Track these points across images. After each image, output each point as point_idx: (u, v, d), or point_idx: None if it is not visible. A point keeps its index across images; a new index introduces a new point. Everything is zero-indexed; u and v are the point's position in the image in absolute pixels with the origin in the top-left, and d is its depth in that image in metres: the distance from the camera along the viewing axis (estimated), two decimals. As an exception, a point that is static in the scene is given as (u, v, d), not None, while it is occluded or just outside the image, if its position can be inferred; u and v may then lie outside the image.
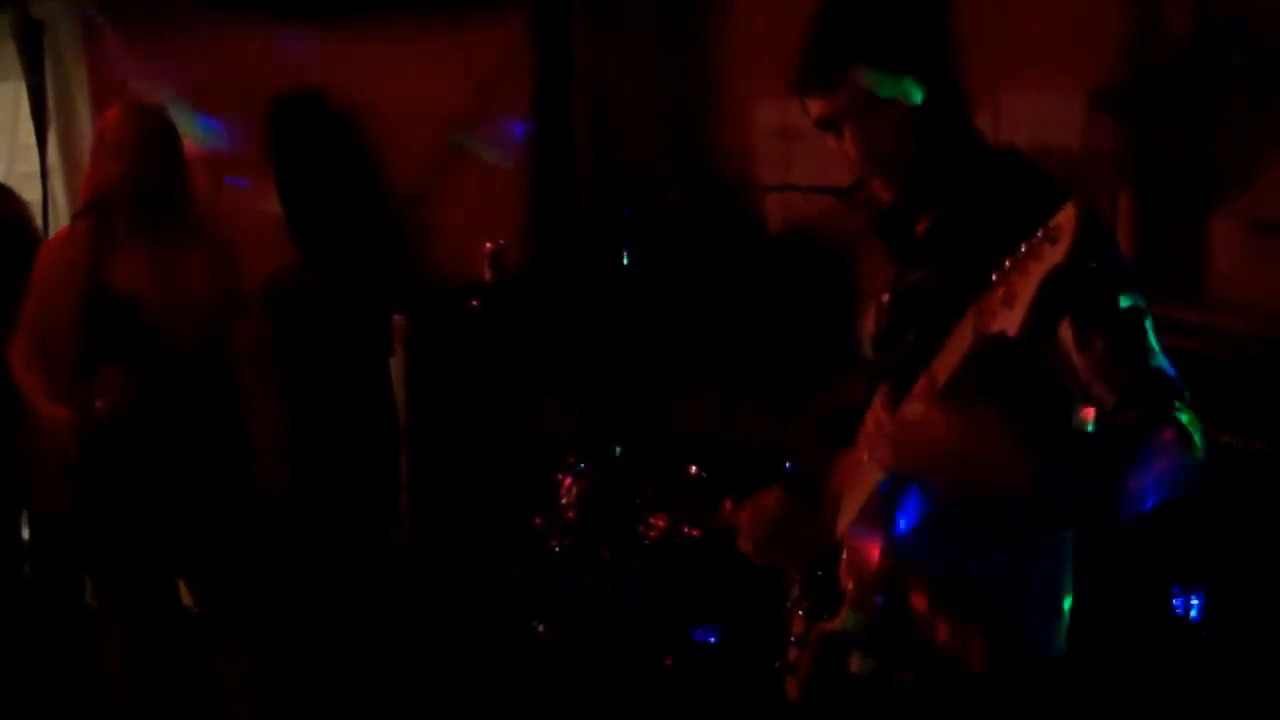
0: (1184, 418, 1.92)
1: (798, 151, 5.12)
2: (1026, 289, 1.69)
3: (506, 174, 5.77)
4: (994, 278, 1.77)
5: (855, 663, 2.30)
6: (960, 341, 1.87)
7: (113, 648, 4.03)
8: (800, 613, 2.39)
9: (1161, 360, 1.98)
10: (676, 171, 5.45)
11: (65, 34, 5.66)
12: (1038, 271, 1.68)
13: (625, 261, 4.86)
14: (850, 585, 2.19)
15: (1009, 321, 1.72)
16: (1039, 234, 1.70)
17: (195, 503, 3.88)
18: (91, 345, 3.75)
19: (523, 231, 5.65)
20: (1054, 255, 1.67)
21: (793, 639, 2.40)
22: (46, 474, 3.92)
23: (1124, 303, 1.99)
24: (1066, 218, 1.67)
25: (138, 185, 3.72)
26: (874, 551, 2.15)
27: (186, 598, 4.14)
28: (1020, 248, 1.73)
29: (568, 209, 5.67)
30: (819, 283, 4.82)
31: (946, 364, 1.91)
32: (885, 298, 2.33)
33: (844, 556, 2.24)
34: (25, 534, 4.96)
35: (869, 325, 2.40)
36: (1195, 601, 3.44)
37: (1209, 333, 3.80)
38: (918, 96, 2.14)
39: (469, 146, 5.70)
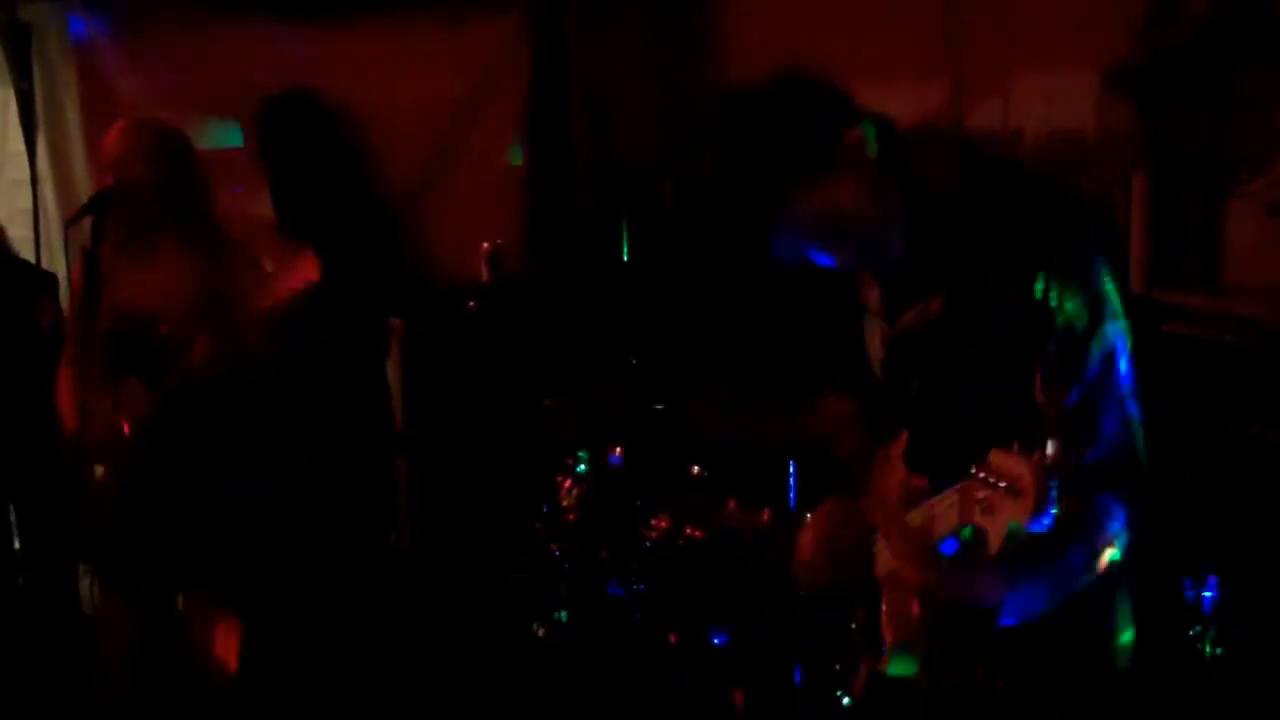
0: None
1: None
2: (999, 526, 1.76)
3: (503, 173, 5.73)
4: (975, 471, 1.79)
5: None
6: (948, 515, 1.90)
7: (114, 656, 4.00)
8: (854, 625, 2.35)
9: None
10: (675, 168, 5.40)
11: (53, 37, 5.61)
12: (1005, 515, 1.74)
13: (624, 260, 4.81)
14: (891, 637, 2.17)
15: (990, 532, 1.78)
16: (1002, 483, 1.74)
17: (207, 515, 3.85)
18: (106, 357, 3.76)
19: (520, 231, 5.61)
20: (1015, 511, 1.72)
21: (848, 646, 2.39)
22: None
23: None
24: (1026, 479, 1.71)
25: (143, 191, 3.73)
26: (914, 603, 2.13)
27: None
28: (989, 473, 1.76)
29: (565, 208, 5.63)
30: (822, 280, 4.75)
31: (940, 525, 1.92)
32: (885, 326, 2.31)
33: (884, 607, 2.21)
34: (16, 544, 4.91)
35: (875, 347, 2.38)
36: (1210, 594, 3.36)
37: (1226, 319, 3.75)
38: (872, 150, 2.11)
39: (464, 145, 5.63)
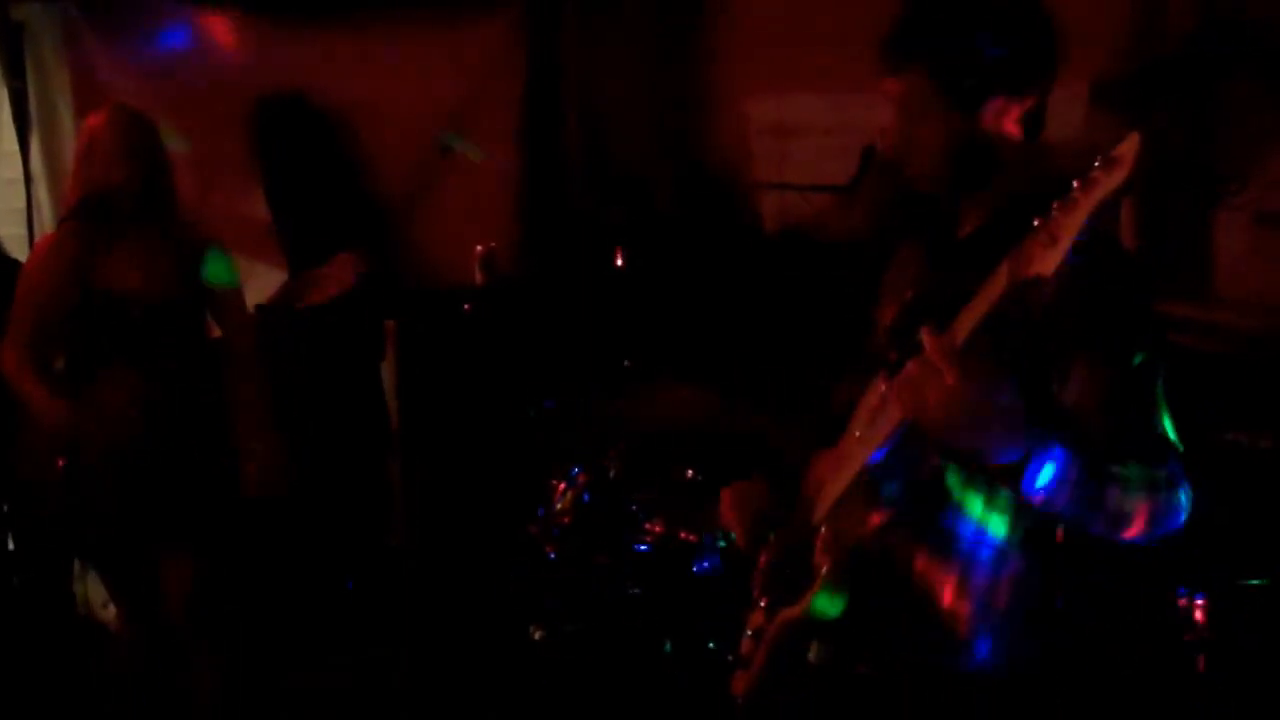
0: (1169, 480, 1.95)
1: (792, 149, 5.09)
2: (1073, 223, 1.64)
3: (497, 175, 5.73)
4: (1035, 223, 1.70)
5: (814, 652, 2.24)
6: (992, 291, 1.80)
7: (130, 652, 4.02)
8: (762, 604, 2.37)
9: (1160, 417, 1.99)
10: (669, 171, 5.42)
11: (46, 36, 5.62)
12: (1088, 203, 1.62)
13: (618, 263, 4.82)
14: (825, 565, 2.16)
15: (1047, 262, 1.67)
16: (1096, 164, 1.63)
17: (183, 501, 3.87)
18: (89, 346, 3.80)
19: (514, 234, 5.61)
20: (1112, 180, 1.61)
21: (749, 632, 2.38)
22: (46, 475, 3.88)
23: (1138, 354, 1.97)
24: (1130, 146, 1.61)
25: (126, 189, 3.77)
26: (858, 524, 2.13)
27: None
28: (1073, 185, 1.66)
29: (559, 210, 5.64)
30: (815, 282, 4.78)
31: (969, 319, 1.84)
32: (909, 294, 2.26)
33: (822, 534, 2.22)
34: (10, 544, 4.91)
35: (886, 318, 2.33)
36: (1200, 602, 3.39)
37: (1213, 329, 3.77)
38: (977, 105, 2.07)
39: (459, 147, 5.65)
